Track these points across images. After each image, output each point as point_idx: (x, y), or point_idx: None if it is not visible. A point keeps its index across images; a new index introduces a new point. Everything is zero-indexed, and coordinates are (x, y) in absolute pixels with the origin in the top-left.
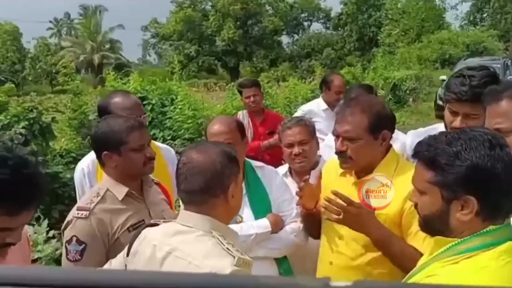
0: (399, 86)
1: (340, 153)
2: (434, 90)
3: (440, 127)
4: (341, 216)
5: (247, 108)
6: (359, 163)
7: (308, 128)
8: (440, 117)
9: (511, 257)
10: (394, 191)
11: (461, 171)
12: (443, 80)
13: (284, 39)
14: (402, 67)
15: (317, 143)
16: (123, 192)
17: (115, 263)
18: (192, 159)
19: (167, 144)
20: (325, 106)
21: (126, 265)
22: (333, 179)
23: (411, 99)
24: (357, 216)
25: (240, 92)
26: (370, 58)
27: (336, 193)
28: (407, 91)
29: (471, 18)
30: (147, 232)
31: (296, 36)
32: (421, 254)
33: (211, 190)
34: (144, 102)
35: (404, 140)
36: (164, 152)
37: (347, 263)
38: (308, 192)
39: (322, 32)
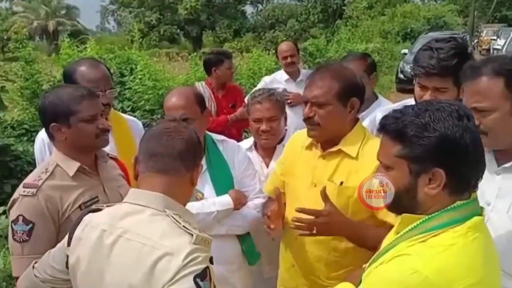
0: None
1: (308, 120)
2: (395, 64)
3: (411, 102)
4: (314, 231)
5: (224, 79)
6: (327, 130)
7: (279, 104)
8: (401, 91)
9: (479, 231)
10: (361, 164)
11: (430, 143)
12: (405, 54)
13: (248, 9)
14: (364, 40)
15: (285, 119)
16: (74, 168)
17: (55, 253)
18: (172, 126)
19: None
20: (286, 76)
21: (68, 256)
22: (298, 153)
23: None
24: (328, 223)
25: (219, 62)
26: (333, 31)
27: (302, 210)
28: None
29: None
30: (90, 217)
31: (260, 6)
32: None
33: (188, 159)
34: None
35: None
36: (131, 125)
37: (313, 237)
38: (276, 216)
39: (286, 3)
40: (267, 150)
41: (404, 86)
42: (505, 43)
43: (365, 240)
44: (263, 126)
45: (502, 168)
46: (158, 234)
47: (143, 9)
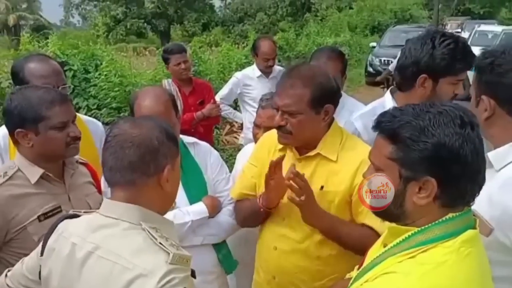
0: None
1: (279, 128)
2: (364, 57)
3: (386, 101)
4: (303, 198)
5: (177, 76)
6: (299, 138)
7: None
8: (371, 84)
9: (473, 246)
10: (341, 167)
11: (424, 148)
12: (373, 47)
13: (216, 2)
14: (333, 34)
15: None
16: (38, 174)
17: (28, 262)
18: (125, 131)
19: (92, 115)
20: (259, 73)
21: (40, 266)
22: (271, 155)
23: None
24: (312, 199)
25: (166, 60)
26: (302, 24)
27: (296, 173)
28: None
29: None
30: (65, 225)
31: (228, 0)
32: (375, 231)
33: (143, 167)
34: (65, 68)
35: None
36: (90, 127)
37: (293, 246)
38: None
39: None
40: None
41: (373, 79)
42: (470, 35)
43: (338, 234)
44: (260, 134)
45: None
46: (131, 251)
47: (108, 2)
